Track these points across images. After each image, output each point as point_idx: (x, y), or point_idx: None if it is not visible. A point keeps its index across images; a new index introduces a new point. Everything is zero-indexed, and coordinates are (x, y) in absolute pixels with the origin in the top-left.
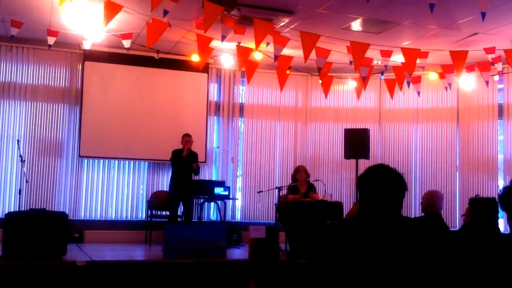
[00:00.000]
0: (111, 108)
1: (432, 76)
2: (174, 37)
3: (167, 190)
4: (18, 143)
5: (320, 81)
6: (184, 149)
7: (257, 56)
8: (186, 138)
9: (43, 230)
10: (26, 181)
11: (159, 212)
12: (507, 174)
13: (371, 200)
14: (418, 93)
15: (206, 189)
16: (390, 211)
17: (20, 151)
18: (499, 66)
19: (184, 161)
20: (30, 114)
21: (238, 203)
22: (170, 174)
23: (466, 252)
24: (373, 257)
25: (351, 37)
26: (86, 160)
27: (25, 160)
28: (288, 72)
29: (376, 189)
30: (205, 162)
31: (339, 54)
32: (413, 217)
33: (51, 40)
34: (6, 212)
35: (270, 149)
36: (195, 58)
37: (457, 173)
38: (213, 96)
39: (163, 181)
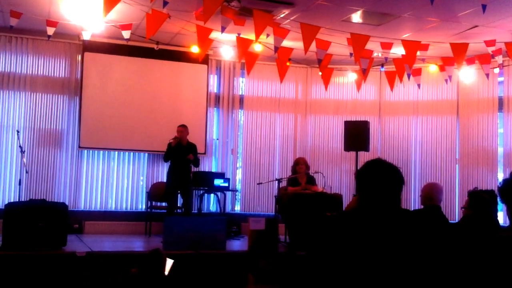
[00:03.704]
0: (110, 99)
1: (432, 68)
2: (173, 28)
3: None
4: (18, 134)
5: (320, 73)
6: (175, 138)
7: (257, 47)
8: (178, 128)
9: (43, 221)
10: (26, 172)
11: (159, 204)
12: (506, 167)
13: (369, 194)
14: (418, 85)
15: (206, 181)
16: (388, 204)
17: (20, 142)
18: (499, 59)
19: (178, 152)
20: (29, 105)
21: (238, 195)
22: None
23: (465, 245)
24: (372, 249)
25: (352, 29)
26: (86, 151)
27: (25, 151)
28: (288, 64)
29: (374, 183)
30: (205, 153)
31: (339, 46)
32: (412, 209)
33: (50, 30)
34: (6, 202)
35: (270, 141)
36: (194, 49)
37: (457, 165)
38: (213, 88)
39: (163, 173)
